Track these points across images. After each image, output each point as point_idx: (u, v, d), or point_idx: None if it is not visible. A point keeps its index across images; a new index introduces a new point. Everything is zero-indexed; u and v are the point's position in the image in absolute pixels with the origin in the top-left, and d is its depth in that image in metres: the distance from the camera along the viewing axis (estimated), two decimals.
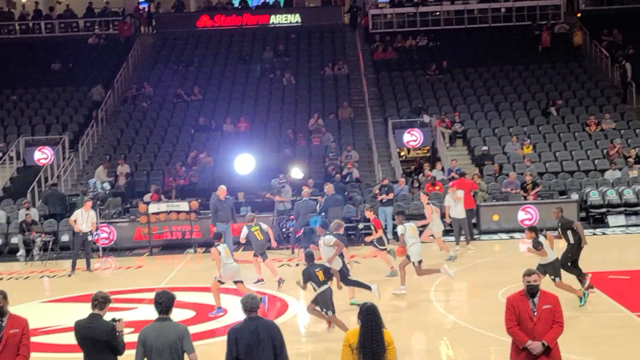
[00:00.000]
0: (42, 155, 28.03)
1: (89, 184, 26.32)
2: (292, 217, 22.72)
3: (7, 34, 37.91)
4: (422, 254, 16.23)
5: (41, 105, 33.00)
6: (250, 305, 8.23)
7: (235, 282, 14.95)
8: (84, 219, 20.76)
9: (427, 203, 19.97)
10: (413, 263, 16.05)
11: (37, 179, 27.10)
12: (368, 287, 14.84)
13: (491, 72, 33.86)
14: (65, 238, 23.73)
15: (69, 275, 20.30)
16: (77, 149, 29.75)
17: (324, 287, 13.06)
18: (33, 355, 13.10)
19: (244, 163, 24.76)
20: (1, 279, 20.37)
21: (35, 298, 17.55)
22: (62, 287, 18.97)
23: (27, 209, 24.05)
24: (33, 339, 13.82)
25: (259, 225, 17.62)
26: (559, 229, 15.31)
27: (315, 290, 13.09)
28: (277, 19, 38.36)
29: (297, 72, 34.59)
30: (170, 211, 23.60)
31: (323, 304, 13.00)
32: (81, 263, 20.75)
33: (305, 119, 30.91)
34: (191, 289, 17.37)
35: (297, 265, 19.51)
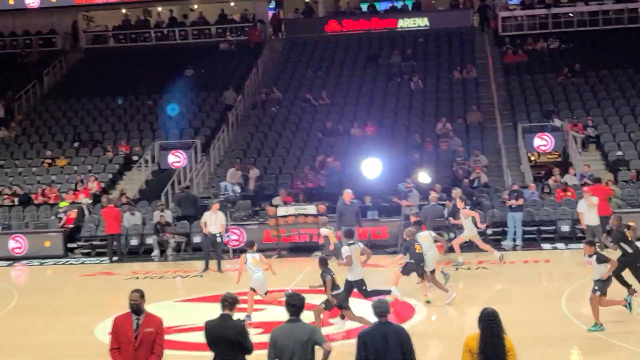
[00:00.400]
0: (176, 159, 28.87)
1: (220, 187, 26.90)
2: None
3: (143, 42, 39.24)
4: (434, 264, 16.35)
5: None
6: (380, 309, 8.23)
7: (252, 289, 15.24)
8: (212, 220, 21.28)
9: (464, 207, 20.03)
10: (425, 271, 15.93)
11: (170, 182, 27.93)
12: (387, 291, 14.73)
13: (626, 74, 32.70)
14: (197, 239, 24.32)
15: (201, 276, 20.81)
16: (209, 153, 30.49)
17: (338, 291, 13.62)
18: (167, 352, 13.51)
19: (371, 167, 24.78)
20: (137, 278, 21.08)
21: (168, 297, 18.07)
22: (194, 287, 19.47)
23: (162, 210, 24.81)
24: (167, 337, 14.29)
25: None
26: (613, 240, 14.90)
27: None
28: (405, 23, 38.24)
29: (425, 75, 34.37)
30: (299, 214, 23.88)
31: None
32: (213, 264, 21.26)
33: (433, 123, 30.66)
34: (318, 292, 17.45)
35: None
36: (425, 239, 16.36)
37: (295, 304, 8.23)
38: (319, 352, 8.09)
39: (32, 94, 36.02)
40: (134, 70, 36.38)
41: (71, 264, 24.18)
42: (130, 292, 8.80)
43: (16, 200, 27.99)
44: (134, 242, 25.23)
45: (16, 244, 25.29)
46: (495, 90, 32.56)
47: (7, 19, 39.99)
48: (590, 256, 13.38)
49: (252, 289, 15.31)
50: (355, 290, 14.45)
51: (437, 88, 33.71)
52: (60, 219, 26.09)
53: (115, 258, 23.94)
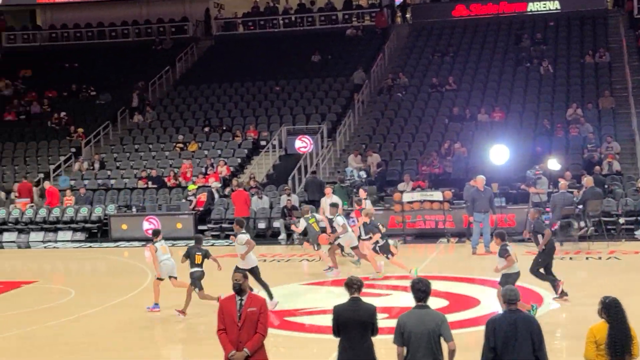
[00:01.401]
0: (302, 144, 29.17)
1: (346, 172, 27.01)
2: (547, 209, 22.03)
3: (271, 28, 39.76)
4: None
5: (301, 96, 34.35)
6: (510, 296, 8.10)
7: (170, 277, 15.59)
8: (324, 204, 21.43)
9: None
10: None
11: (297, 167, 28.26)
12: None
13: None
14: (323, 224, 24.45)
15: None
16: (335, 138, 30.68)
17: None
18: (294, 334, 13.75)
19: (499, 153, 24.36)
20: (264, 260, 21.42)
21: (294, 280, 18.31)
22: (320, 270, 19.64)
23: (288, 195, 25.16)
24: (292, 319, 14.53)
25: (314, 216, 19.13)
26: (531, 232, 15.07)
27: None
28: (535, 7, 37.30)
29: (555, 60, 33.46)
30: (424, 200, 23.75)
31: None
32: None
33: (563, 109, 29.84)
34: (444, 278, 17.35)
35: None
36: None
37: (423, 289, 8.20)
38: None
39: (165, 80, 37.12)
40: (262, 56, 36.94)
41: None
42: (233, 273, 8.92)
43: (150, 183, 28.92)
44: (262, 225, 25.70)
45: (150, 225, 26.12)
46: (629, 75, 31.40)
47: (142, 8, 41.30)
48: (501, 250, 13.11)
49: (158, 279, 15.58)
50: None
51: (568, 73, 32.76)
52: (191, 201, 26.82)
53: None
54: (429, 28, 37.92)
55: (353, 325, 8.42)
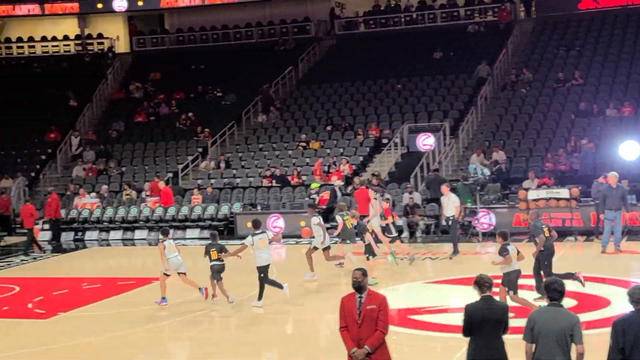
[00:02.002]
0: (425, 141, 28.98)
1: (469, 170, 26.72)
2: None
3: (393, 26, 39.66)
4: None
5: (423, 93, 34.14)
6: (638, 296, 7.84)
7: (179, 274, 16.77)
8: (445, 203, 21.22)
9: None
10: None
11: (419, 164, 28.10)
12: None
13: None
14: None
15: (450, 258, 20.81)
16: (457, 135, 30.35)
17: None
18: (417, 332, 13.68)
19: (629, 149, 23.56)
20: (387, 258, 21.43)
21: (418, 279, 18.23)
22: (443, 269, 19.50)
23: (410, 192, 25.06)
24: (416, 318, 14.47)
25: (348, 213, 19.62)
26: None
27: None
28: None
29: None
30: (550, 198, 23.22)
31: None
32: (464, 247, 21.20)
33: None
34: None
35: None
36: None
37: (559, 289, 8.09)
38: None
39: (287, 80, 37.58)
40: (383, 54, 36.92)
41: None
42: (353, 271, 8.93)
43: (274, 181, 29.35)
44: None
45: (275, 222, 26.51)
46: None
47: (265, 10, 41.93)
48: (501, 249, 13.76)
49: (165, 274, 16.75)
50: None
51: None
52: (314, 199, 27.05)
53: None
54: (554, 22, 36.96)
55: (487, 324, 8.36)
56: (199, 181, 30.75)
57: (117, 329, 15.19)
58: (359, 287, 8.78)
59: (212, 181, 30.50)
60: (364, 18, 40.59)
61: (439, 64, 35.89)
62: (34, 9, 41.98)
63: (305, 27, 41.05)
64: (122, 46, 43.08)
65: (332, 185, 27.71)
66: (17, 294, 19.16)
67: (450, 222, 21.41)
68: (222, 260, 16.47)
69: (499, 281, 13.35)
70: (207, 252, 16.60)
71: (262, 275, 16.08)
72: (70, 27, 42.96)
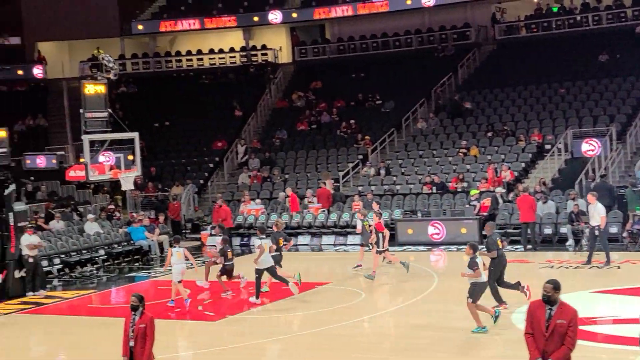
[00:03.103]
0: (590, 147, 28.16)
1: (637, 176, 25.75)
2: None
3: (555, 29, 38.64)
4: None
5: (588, 97, 33.16)
6: None
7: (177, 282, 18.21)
8: (590, 212, 20.51)
9: None
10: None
11: (584, 171, 27.32)
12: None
13: None
14: (613, 229, 23.56)
15: (618, 267, 20.15)
16: (625, 140, 29.29)
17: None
18: (581, 343, 13.34)
19: None
20: (551, 267, 21.00)
21: (584, 288, 17.75)
22: (610, 278, 18.91)
23: (574, 199, 24.40)
24: (582, 328, 14.09)
25: (367, 220, 21.23)
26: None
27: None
28: None
29: None
30: None
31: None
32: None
33: None
34: None
35: None
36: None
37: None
38: None
39: (447, 87, 37.39)
40: (545, 58, 36.12)
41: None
42: (544, 284, 8.79)
43: (434, 188, 29.28)
44: (548, 230, 25.13)
45: (435, 230, 26.48)
46: None
47: (424, 17, 41.89)
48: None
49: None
50: None
51: None
52: (474, 206, 26.81)
53: (529, 246, 24.06)
54: None
55: None
56: (360, 188, 31.08)
57: (283, 331, 15.62)
58: (548, 300, 8.71)
59: (373, 188, 30.75)
60: (525, 22, 39.84)
61: (604, 67, 34.76)
62: (195, 23, 43.73)
63: (464, 33, 40.71)
64: (284, 56, 44.14)
65: (494, 192, 27.36)
66: (188, 296, 19.97)
67: (596, 232, 20.64)
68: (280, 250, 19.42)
69: None
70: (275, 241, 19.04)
71: (258, 275, 18.35)
72: (235, 39, 44.43)
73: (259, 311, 17.69)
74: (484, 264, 14.65)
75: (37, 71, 43.08)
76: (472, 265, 14.34)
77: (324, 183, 30.94)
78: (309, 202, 30.03)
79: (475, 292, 14.34)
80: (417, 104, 36.02)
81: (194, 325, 17.00)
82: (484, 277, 14.61)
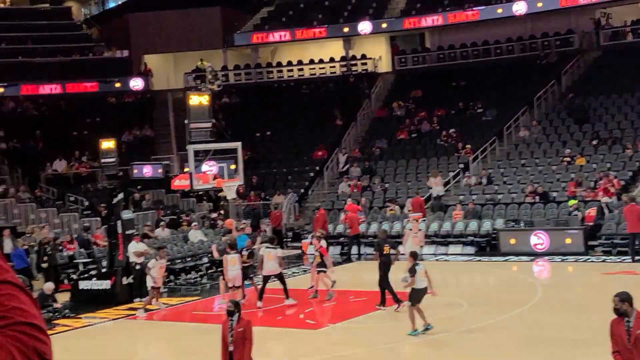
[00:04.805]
0: None
1: None
2: None
3: None
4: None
5: None
6: None
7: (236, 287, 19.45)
8: None
9: None
10: None
11: None
12: None
13: None
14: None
15: None
16: None
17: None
18: None
19: None
20: None
21: None
22: None
23: None
24: None
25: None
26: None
27: None
28: None
29: None
30: None
31: None
32: None
33: None
34: None
35: None
36: None
37: None
38: None
39: (550, 94, 36.63)
40: None
41: (592, 261, 24.05)
42: (613, 297, 8.58)
43: (537, 198, 28.67)
44: None
45: (538, 240, 25.92)
46: None
47: (526, 24, 41.18)
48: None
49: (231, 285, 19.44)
50: None
51: None
52: (576, 216, 26.13)
53: (637, 257, 23.26)
54: None
55: None
56: (461, 197, 30.73)
57: (384, 341, 15.52)
58: (618, 313, 8.50)
59: (474, 197, 30.36)
60: (632, 27, 38.70)
61: None
62: (286, 35, 44.12)
63: (568, 40, 39.82)
64: (384, 66, 44.06)
65: (599, 201, 26.61)
66: (290, 304, 20.11)
67: None
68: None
69: None
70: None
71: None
72: (335, 49, 44.62)
73: (361, 320, 17.62)
74: (425, 272, 15.53)
75: (141, 83, 44.04)
76: (412, 272, 15.32)
77: (416, 193, 30.78)
78: (409, 211, 29.84)
79: (412, 298, 15.33)
80: (519, 112, 35.39)
81: (294, 334, 17.05)
82: (423, 283, 15.46)
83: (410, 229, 21.84)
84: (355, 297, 20.38)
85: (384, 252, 18.70)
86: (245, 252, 20.84)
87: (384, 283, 18.23)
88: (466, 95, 38.40)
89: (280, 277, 19.36)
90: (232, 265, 19.43)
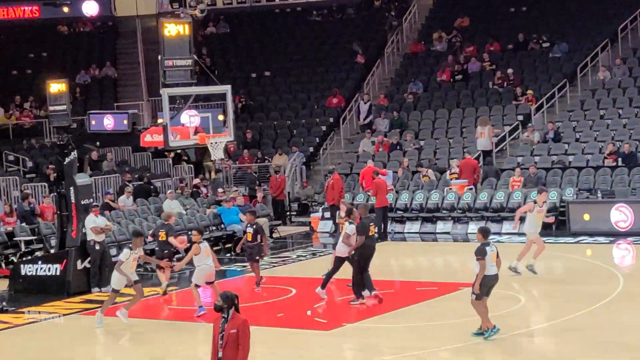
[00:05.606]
0: None
1: None
2: None
3: None
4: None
5: None
6: None
7: (208, 283, 18.77)
8: None
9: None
10: None
11: None
12: None
13: None
14: None
15: None
16: None
17: None
18: None
19: None
20: None
21: None
22: None
23: None
24: None
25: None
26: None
27: None
28: None
29: None
30: None
31: None
32: None
33: None
34: None
35: None
36: None
37: None
38: None
39: (638, 25, 36.42)
40: None
41: None
42: None
43: (620, 160, 28.60)
44: None
45: (620, 215, 25.90)
46: None
47: None
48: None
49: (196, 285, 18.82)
50: None
51: None
52: None
53: None
54: None
55: None
56: (519, 159, 30.73)
57: (416, 346, 15.60)
58: None
59: (537, 159, 30.36)
60: None
61: None
62: None
63: None
64: None
65: None
66: (294, 297, 20.20)
67: None
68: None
69: None
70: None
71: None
72: None
73: (382, 319, 17.71)
74: (497, 255, 15.44)
75: (96, 8, 43.41)
76: (480, 254, 15.23)
77: (467, 152, 30.69)
78: (451, 175, 29.80)
79: (480, 288, 15.22)
80: (597, 48, 35.24)
81: (300, 335, 17.15)
82: (493, 269, 15.42)
83: (535, 201, 21.48)
84: (380, 289, 20.41)
85: (370, 234, 18.60)
86: (249, 230, 20.96)
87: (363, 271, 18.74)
88: (528, 25, 38.26)
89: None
90: (207, 257, 18.60)
